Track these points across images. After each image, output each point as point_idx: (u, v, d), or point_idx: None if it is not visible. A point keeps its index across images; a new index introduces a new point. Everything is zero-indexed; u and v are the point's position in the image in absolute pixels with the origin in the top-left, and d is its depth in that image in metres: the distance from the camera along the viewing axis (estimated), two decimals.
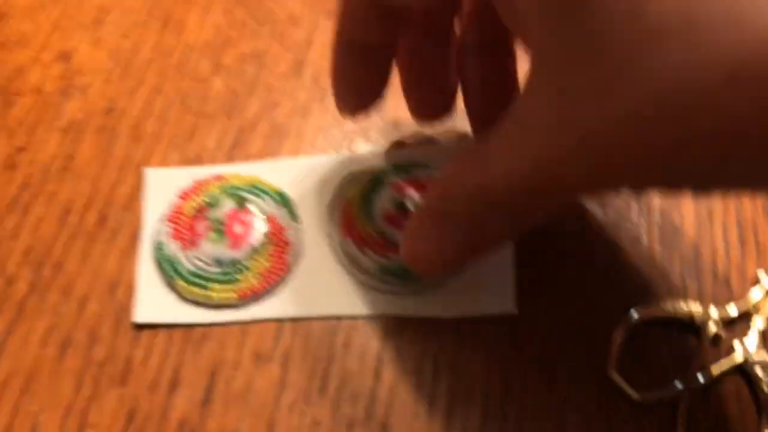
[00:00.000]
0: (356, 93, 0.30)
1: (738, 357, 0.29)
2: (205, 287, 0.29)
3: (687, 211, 0.32)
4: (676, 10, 0.19)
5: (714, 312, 0.29)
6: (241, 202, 0.31)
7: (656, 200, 0.32)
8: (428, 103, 0.32)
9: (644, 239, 0.31)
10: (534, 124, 0.22)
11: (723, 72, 0.18)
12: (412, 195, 0.31)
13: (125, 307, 0.30)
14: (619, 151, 0.21)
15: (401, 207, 0.31)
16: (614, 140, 0.21)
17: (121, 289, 0.30)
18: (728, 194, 0.31)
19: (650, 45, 0.19)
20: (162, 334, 0.29)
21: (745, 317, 0.29)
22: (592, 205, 0.32)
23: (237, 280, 0.30)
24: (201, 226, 0.30)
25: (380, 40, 0.28)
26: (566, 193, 0.24)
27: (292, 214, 0.31)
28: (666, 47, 0.19)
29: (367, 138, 0.34)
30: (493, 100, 0.30)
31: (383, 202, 0.31)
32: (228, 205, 0.31)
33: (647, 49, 0.19)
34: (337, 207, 0.31)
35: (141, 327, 0.29)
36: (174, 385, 0.28)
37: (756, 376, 0.28)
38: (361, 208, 0.31)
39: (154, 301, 0.30)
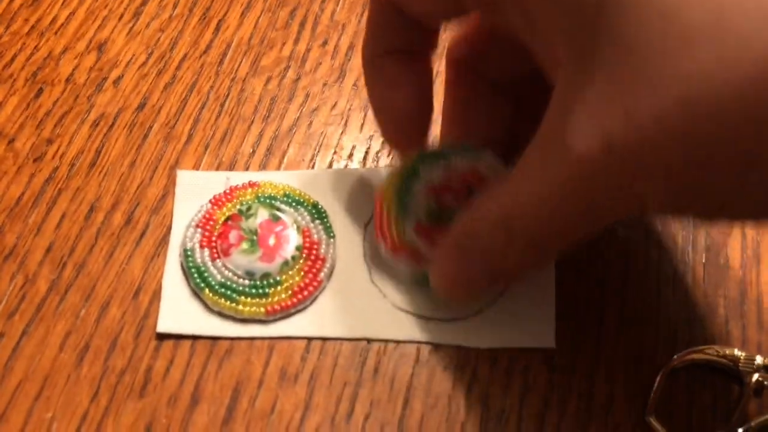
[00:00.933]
0: (394, 114, 0.29)
1: None
2: (233, 299, 0.28)
3: (733, 251, 0.31)
4: (707, 9, 0.18)
5: (758, 359, 0.28)
6: (276, 213, 0.30)
7: (702, 239, 0.31)
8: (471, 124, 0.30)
9: (689, 279, 0.30)
10: (556, 141, 0.21)
11: (754, 69, 0.18)
12: (448, 199, 0.29)
13: (148, 314, 0.29)
14: (644, 159, 0.19)
15: (435, 218, 0.28)
16: (640, 148, 0.19)
17: (145, 295, 0.29)
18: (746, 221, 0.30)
19: (681, 46, 0.18)
20: (185, 346, 0.28)
21: None
22: (636, 241, 0.31)
23: (267, 295, 0.28)
24: (233, 236, 0.29)
25: (405, 47, 0.28)
26: (589, 217, 0.23)
27: (327, 229, 0.30)
28: (697, 47, 0.18)
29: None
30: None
31: (418, 208, 0.28)
32: (262, 215, 0.30)
33: (677, 50, 0.18)
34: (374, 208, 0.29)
35: (163, 336, 0.28)
36: (195, 400, 0.27)
37: None
38: (396, 214, 0.28)
39: (178, 311, 0.28)
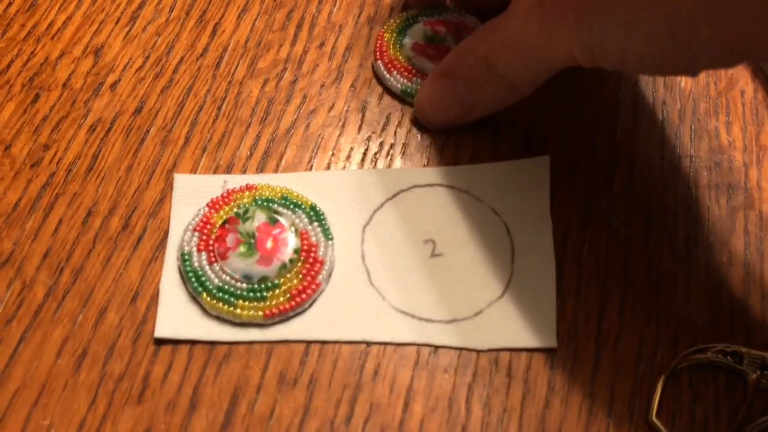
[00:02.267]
0: None
1: None
2: (231, 303, 0.28)
3: (737, 249, 0.30)
4: None
5: (763, 357, 0.28)
6: (273, 216, 0.30)
7: (705, 236, 0.31)
8: None
9: (691, 278, 0.30)
10: (516, 6, 0.29)
11: None
12: (442, 30, 0.35)
13: (146, 319, 0.28)
14: (555, 7, 0.27)
15: (430, 40, 0.35)
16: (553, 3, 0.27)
17: (143, 300, 0.29)
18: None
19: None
20: (183, 351, 0.28)
21: None
22: (637, 239, 0.30)
23: (265, 298, 0.28)
24: (230, 239, 0.29)
25: None
26: (538, 56, 0.29)
27: (325, 231, 0.30)
28: None
29: (404, 152, 0.32)
30: None
31: (415, 35, 0.35)
32: (259, 218, 0.29)
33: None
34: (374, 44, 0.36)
35: (161, 342, 0.28)
36: (193, 405, 0.27)
37: None
38: (395, 37, 0.35)
39: (176, 315, 0.28)
